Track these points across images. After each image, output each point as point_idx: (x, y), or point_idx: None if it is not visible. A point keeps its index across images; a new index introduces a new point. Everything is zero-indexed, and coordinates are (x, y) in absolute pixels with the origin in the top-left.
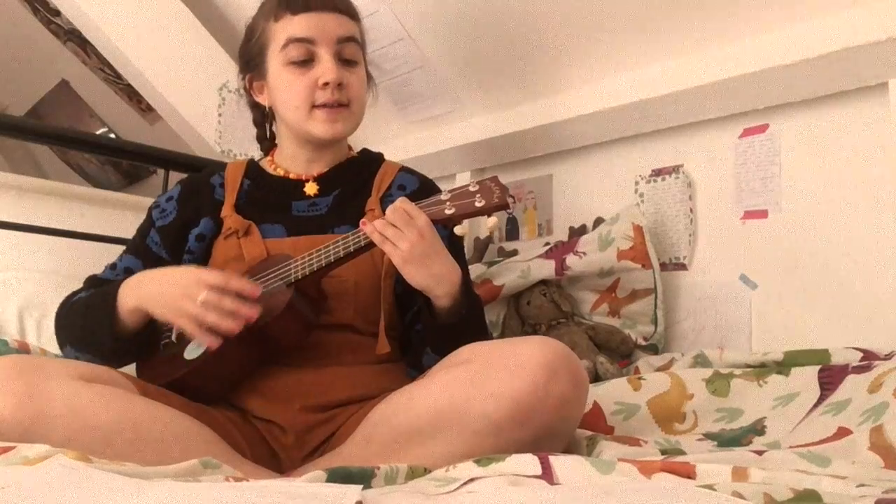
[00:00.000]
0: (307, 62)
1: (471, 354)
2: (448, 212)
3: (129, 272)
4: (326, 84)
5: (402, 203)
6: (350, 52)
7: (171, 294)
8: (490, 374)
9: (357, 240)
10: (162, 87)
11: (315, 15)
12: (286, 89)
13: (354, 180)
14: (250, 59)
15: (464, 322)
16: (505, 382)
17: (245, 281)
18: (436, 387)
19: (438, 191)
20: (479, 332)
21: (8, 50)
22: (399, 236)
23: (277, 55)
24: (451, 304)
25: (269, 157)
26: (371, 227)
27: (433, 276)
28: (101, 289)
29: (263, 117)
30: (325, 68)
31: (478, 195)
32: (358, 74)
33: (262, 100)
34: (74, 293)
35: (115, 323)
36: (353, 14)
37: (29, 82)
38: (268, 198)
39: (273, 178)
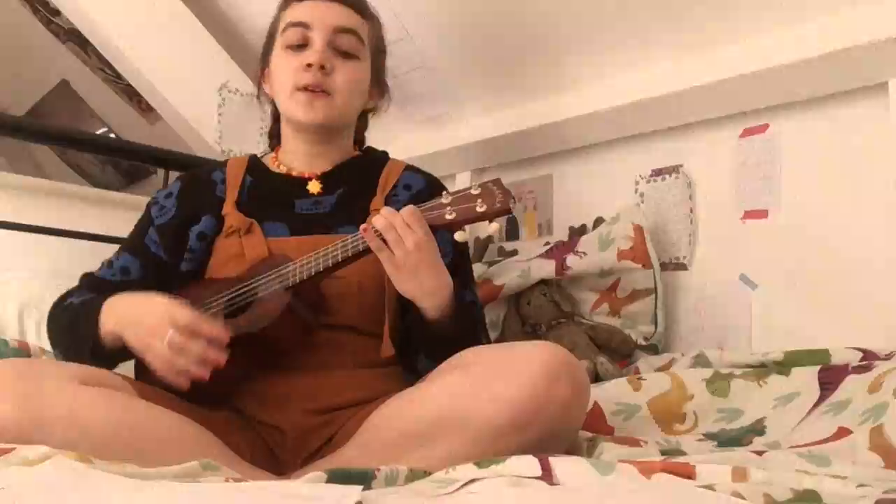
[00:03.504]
0: (302, 46)
1: (472, 358)
2: (449, 217)
3: (125, 272)
4: (310, 66)
5: (409, 214)
6: (347, 43)
7: (144, 326)
8: (491, 379)
9: (356, 244)
10: (162, 87)
11: (317, 3)
12: (279, 71)
13: (359, 179)
14: (264, 50)
15: (454, 338)
16: (505, 387)
17: (215, 325)
18: (436, 390)
19: (445, 190)
20: (473, 344)
21: (8, 50)
22: (396, 243)
23: (279, 40)
24: (440, 318)
25: (272, 154)
26: (371, 234)
27: (422, 288)
28: (88, 301)
29: (275, 109)
30: (312, 50)
31: (479, 199)
32: (351, 67)
33: (269, 90)
34: (68, 293)
35: (95, 342)
36: (360, 9)
37: (29, 82)
38: (270, 195)
39: (276, 176)
